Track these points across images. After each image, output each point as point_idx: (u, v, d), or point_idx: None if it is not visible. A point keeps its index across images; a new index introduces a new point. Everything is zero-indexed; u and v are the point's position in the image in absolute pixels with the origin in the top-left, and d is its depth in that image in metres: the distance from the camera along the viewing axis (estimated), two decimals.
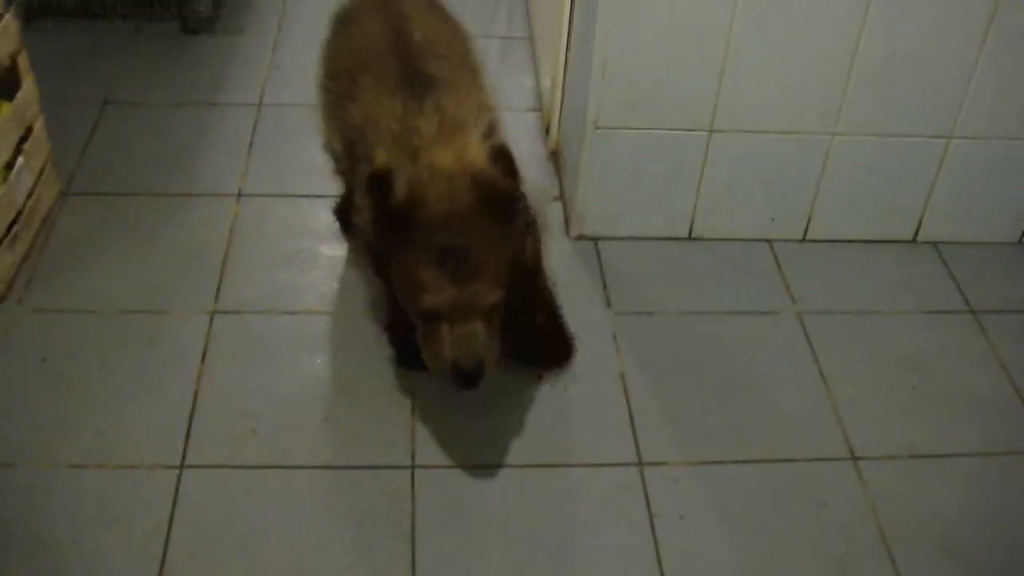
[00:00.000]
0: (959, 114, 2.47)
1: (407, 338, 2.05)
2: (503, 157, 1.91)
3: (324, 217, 2.61)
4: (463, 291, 1.84)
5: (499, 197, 1.88)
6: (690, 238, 2.63)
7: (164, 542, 1.91)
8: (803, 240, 2.66)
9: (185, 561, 1.88)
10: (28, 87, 2.42)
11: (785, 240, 2.65)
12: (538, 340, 2.25)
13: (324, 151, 2.36)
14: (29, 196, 2.43)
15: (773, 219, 2.62)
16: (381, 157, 1.91)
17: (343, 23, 2.31)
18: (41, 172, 2.49)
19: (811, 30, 2.32)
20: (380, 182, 1.85)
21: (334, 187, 2.62)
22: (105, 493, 1.98)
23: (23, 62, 2.40)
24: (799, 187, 2.58)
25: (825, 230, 2.65)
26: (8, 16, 2.32)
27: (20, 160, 2.38)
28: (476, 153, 1.92)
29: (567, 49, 2.65)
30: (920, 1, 2.30)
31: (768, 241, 2.65)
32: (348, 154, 2.10)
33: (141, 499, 1.98)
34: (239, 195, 2.67)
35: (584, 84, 2.42)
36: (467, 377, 1.87)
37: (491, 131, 2.01)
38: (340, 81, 2.15)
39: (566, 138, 2.69)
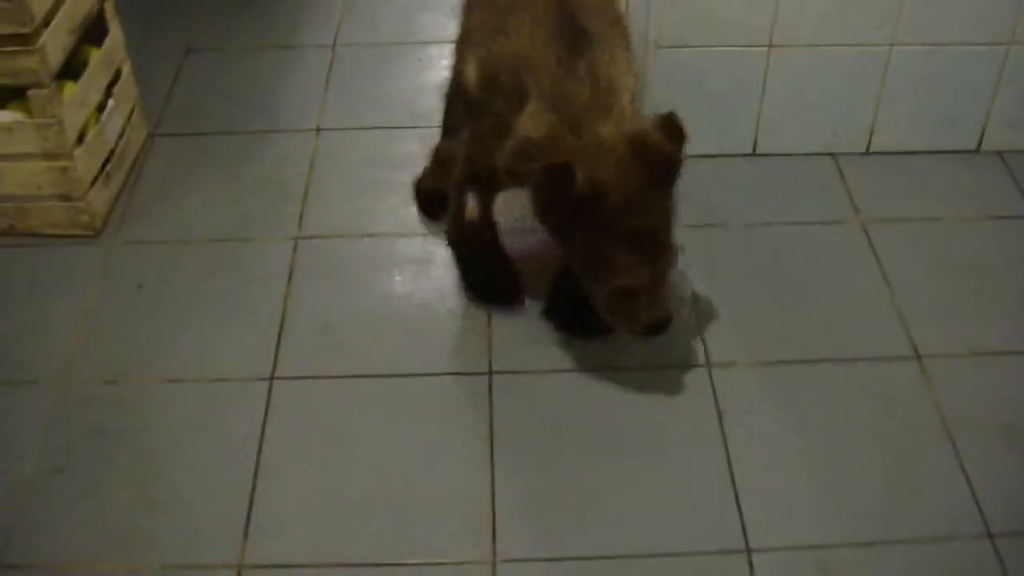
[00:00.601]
0: (1017, 20, 2.49)
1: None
2: (673, 127, 1.96)
3: (399, 147, 2.72)
4: (655, 269, 1.96)
5: (668, 166, 1.95)
6: (754, 154, 2.69)
7: (258, 446, 2.04)
8: (866, 153, 2.71)
9: (278, 462, 2.01)
10: (115, 33, 2.56)
11: (848, 153, 2.70)
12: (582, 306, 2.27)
13: (451, 80, 2.44)
14: (120, 137, 2.56)
15: (835, 133, 2.67)
16: (535, 113, 1.94)
17: None
18: (130, 114, 2.63)
19: None
20: (560, 176, 1.87)
21: (409, 118, 2.73)
22: (202, 404, 2.12)
23: (109, 8, 2.53)
24: (860, 100, 2.62)
25: (888, 142, 2.69)
26: None
27: (111, 103, 2.52)
28: (635, 122, 1.96)
29: None
30: None
31: (832, 155, 2.70)
32: (487, 84, 2.09)
33: (235, 408, 2.11)
34: (318, 130, 2.78)
35: (646, 6, 2.48)
36: (661, 329, 2.03)
37: (635, 95, 2.06)
38: (491, 11, 2.14)
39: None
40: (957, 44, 2.53)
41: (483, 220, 2.27)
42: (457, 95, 2.36)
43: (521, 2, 2.08)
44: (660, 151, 1.93)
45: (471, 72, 2.12)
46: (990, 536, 1.90)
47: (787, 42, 2.51)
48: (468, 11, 2.26)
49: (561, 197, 1.89)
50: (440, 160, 2.49)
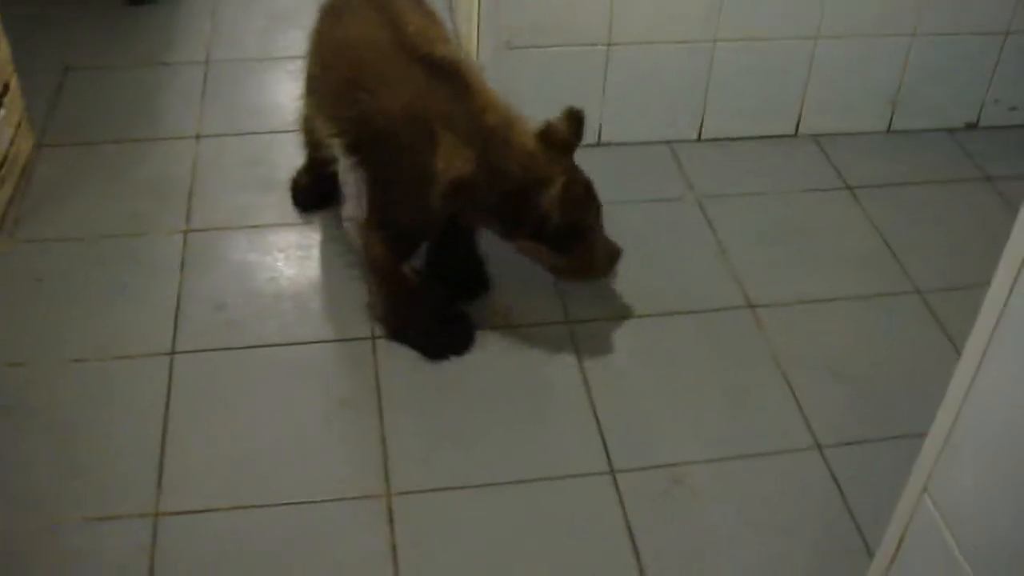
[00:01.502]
0: (822, 17, 2.84)
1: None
2: (577, 115, 2.28)
3: (274, 150, 2.93)
4: (597, 214, 2.28)
5: (576, 141, 2.28)
6: (599, 144, 2.98)
7: (164, 411, 2.22)
8: (698, 140, 3.02)
9: (184, 424, 2.19)
10: (3, 47, 2.72)
11: (683, 141, 3.01)
12: (464, 272, 2.55)
13: (302, 132, 2.65)
14: (10, 145, 2.72)
15: (671, 122, 2.98)
16: (452, 141, 2.14)
17: (334, 14, 2.42)
18: (18, 125, 2.78)
19: None
20: (521, 194, 2.16)
21: (283, 123, 2.95)
22: (107, 380, 2.28)
23: None
24: (691, 91, 2.94)
25: (717, 130, 3.01)
26: None
27: (1, 112, 2.68)
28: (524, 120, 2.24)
29: None
30: None
31: (668, 143, 3.01)
32: (355, 148, 2.30)
33: (139, 381, 2.28)
34: (198, 137, 2.98)
35: (496, 11, 2.75)
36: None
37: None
38: (339, 72, 2.31)
39: (484, 63, 3.01)
40: (772, 39, 2.87)
41: (410, 274, 2.40)
42: (315, 143, 2.54)
43: (364, 56, 2.26)
44: (570, 138, 2.26)
45: (333, 131, 2.32)
46: (819, 447, 2.20)
47: (623, 40, 2.81)
48: (312, 62, 2.46)
49: (520, 206, 2.17)
50: (311, 162, 2.70)
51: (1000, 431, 1.04)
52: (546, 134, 2.21)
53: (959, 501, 1.13)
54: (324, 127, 2.37)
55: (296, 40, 3.35)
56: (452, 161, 2.14)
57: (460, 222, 2.31)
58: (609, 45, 2.81)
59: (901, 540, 1.25)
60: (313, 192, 2.73)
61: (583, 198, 2.22)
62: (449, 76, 2.20)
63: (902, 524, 1.23)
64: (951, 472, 1.14)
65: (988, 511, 1.09)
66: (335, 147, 2.36)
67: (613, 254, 2.32)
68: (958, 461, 1.12)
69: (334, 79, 2.33)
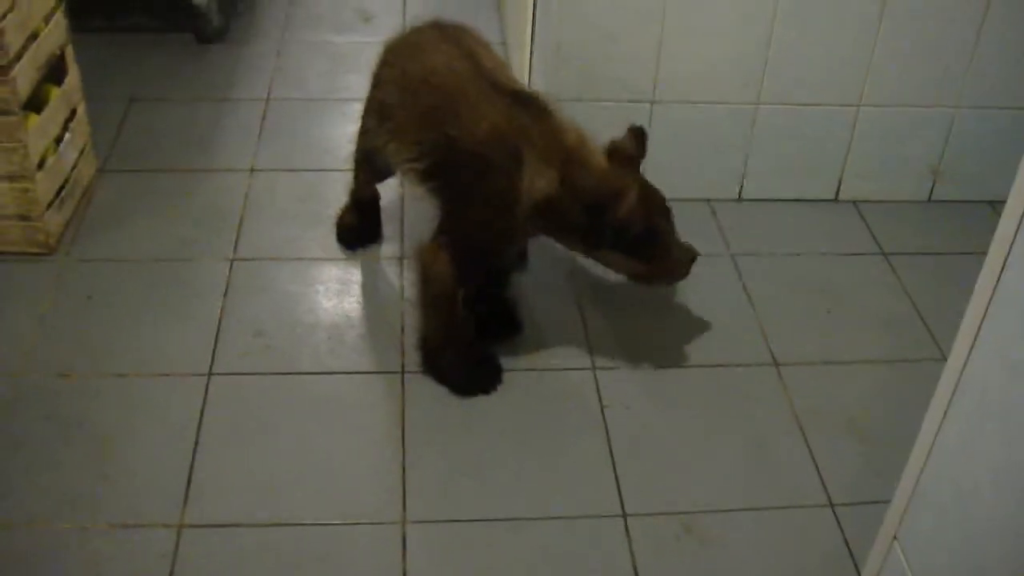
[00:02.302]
0: (864, 84, 2.90)
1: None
2: (639, 132, 2.42)
3: (325, 187, 3.04)
4: (671, 221, 2.39)
5: (641, 155, 2.42)
6: None
7: (196, 429, 2.30)
8: (738, 200, 3.08)
9: (214, 442, 2.28)
10: (73, 75, 2.85)
11: (722, 199, 3.07)
12: (494, 315, 2.61)
13: (357, 167, 2.73)
14: (73, 168, 2.85)
15: (711, 180, 3.04)
16: (538, 165, 2.25)
17: (409, 47, 2.52)
18: (83, 149, 2.91)
19: (732, 14, 2.76)
20: (601, 208, 2.27)
21: (334, 162, 3.06)
22: (146, 395, 2.38)
23: (70, 53, 2.83)
24: (732, 152, 3.00)
25: (757, 190, 3.07)
26: (59, 13, 2.75)
27: (67, 136, 2.81)
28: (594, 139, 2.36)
29: (532, 41, 3.07)
30: None
31: (708, 200, 3.07)
32: (432, 173, 2.37)
33: (176, 398, 2.37)
34: (252, 170, 3.09)
35: (545, 66, 2.84)
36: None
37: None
38: (415, 96, 2.40)
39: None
40: (814, 104, 2.93)
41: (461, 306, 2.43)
42: (372, 165, 2.65)
43: (449, 85, 2.35)
44: (637, 152, 2.40)
45: (413, 155, 2.39)
46: (831, 505, 2.23)
47: (667, 98, 2.88)
48: (382, 90, 2.52)
49: (602, 222, 2.27)
50: (356, 200, 2.81)
51: (958, 486, 1.09)
52: (613, 151, 2.35)
53: (924, 549, 1.17)
54: (401, 152, 2.43)
55: (355, 83, 3.49)
56: (536, 181, 2.25)
57: (510, 258, 2.48)
58: (653, 103, 2.88)
59: None
60: (358, 230, 2.83)
61: (657, 205, 2.35)
62: (528, 103, 2.32)
63: (875, 568, 1.27)
64: (917, 522, 1.18)
65: (950, 559, 1.13)
66: (409, 173, 2.43)
67: (690, 256, 2.41)
68: (923, 512, 1.16)
69: (416, 106, 2.39)
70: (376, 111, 2.55)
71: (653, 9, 2.74)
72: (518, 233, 2.39)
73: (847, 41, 2.83)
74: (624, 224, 2.27)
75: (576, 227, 2.31)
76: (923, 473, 1.16)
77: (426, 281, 2.37)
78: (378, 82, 2.56)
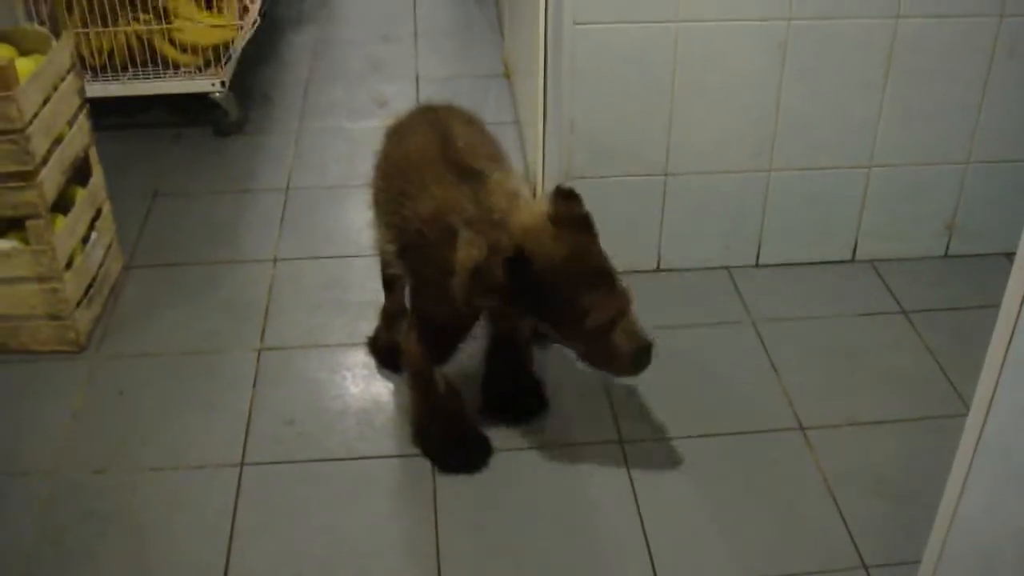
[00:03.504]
0: (874, 146, 2.94)
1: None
2: (565, 193, 2.24)
3: (349, 273, 3.10)
4: (618, 297, 2.22)
5: (581, 216, 2.23)
6: (658, 270, 3.08)
7: (231, 520, 2.33)
8: (756, 265, 3.11)
9: (249, 532, 2.30)
10: (97, 175, 2.92)
11: (740, 266, 3.11)
12: (517, 394, 2.61)
13: (377, 255, 2.69)
14: (101, 266, 2.90)
15: (728, 247, 3.07)
16: (468, 235, 2.21)
17: (395, 135, 2.56)
18: (109, 247, 2.98)
19: (738, 84, 2.82)
20: (519, 261, 2.14)
21: (356, 249, 3.11)
22: (180, 488, 2.41)
23: (93, 154, 2.90)
24: (747, 218, 3.04)
25: (774, 255, 3.10)
26: (82, 116, 2.83)
27: (94, 235, 2.87)
28: (543, 203, 2.24)
29: (544, 119, 3.13)
30: (825, 52, 2.79)
31: (726, 268, 3.10)
32: (402, 253, 2.39)
33: (211, 490, 2.40)
34: (275, 260, 3.15)
35: (559, 144, 2.89)
36: (650, 356, 2.28)
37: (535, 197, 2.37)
38: (390, 181, 2.45)
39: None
40: (826, 168, 2.97)
41: (440, 383, 2.47)
42: (386, 263, 2.63)
43: (413, 168, 2.37)
44: (574, 209, 2.23)
45: (388, 244, 2.43)
46: (864, 567, 2.24)
47: (680, 170, 2.93)
48: (378, 185, 2.53)
49: (524, 276, 2.15)
50: (388, 317, 2.77)
51: (983, 548, 1.11)
52: (555, 215, 2.21)
53: None
54: (382, 236, 2.48)
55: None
56: (469, 251, 2.22)
57: (499, 327, 2.44)
58: (667, 175, 2.93)
59: None
60: (394, 349, 2.65)
61: (590, 267, 2.22)
62: (469, 176, 2.30)
63: None
64: None
65: None
66: (388, 256, 2.49)
67: (636, 346, 2.26)
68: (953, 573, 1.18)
69: (390, 189, 2.43)
70: (372, 200, 2.58)
71: (662, 84, 2.80)
72: (464, 309, 2.28)
73: (854, 104, 2.88)
74: (536, 278, 2.16)
75: (501, 289, 2.19)
76: (949, 535, 1.17)
77: (404, 361, 2.46)
78: (374, 169, 2.59)
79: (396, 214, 2.38)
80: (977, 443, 1.09)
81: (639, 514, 2.35)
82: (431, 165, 2.36)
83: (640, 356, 2.27)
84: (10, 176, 2.53)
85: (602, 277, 2.22)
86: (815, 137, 2.92)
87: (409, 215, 2.33)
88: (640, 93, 2.81)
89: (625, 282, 2.26)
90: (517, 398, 2.60)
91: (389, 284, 2.74)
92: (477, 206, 2.25)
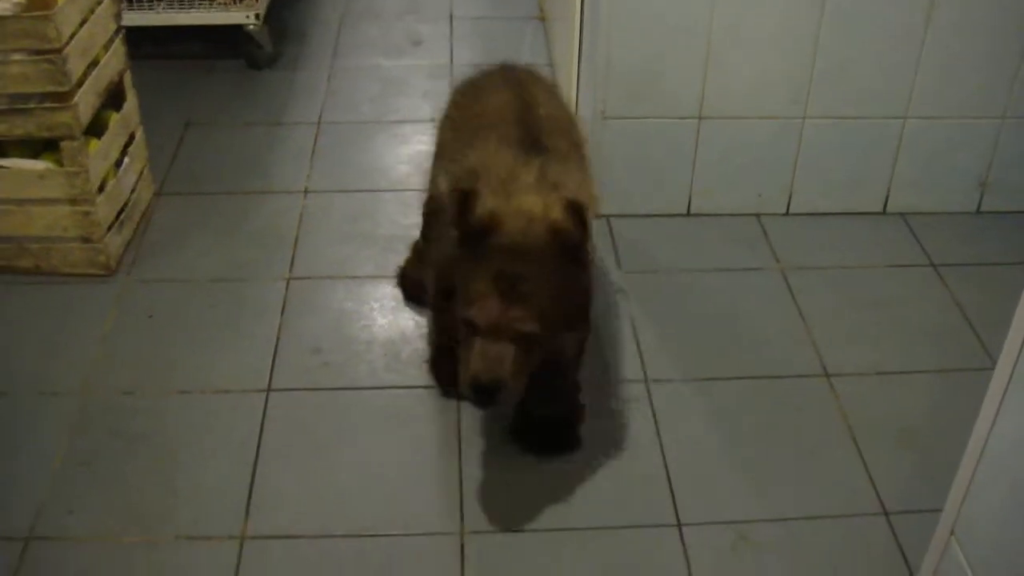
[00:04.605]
0: (911, 97, 2.92)
1: (450, 372, 2.35)
2: (576, 210, 1.99)
3: (378, 207, 3.10)
4: (503, 313, 1.95)
5: (566, 243, 1.98)
6: (688, 214, 3.08)
7: (257, 443, 2.35)
8: (786, 214, 3.10)
9: (274, 457, 2.33)
10: (131, 100, 2.93)
11: (771, 214, 3.09)
12: (546, 425, 2.39)
13: (427, 193, 2.60)
14: (132, 191, 2.92)
15: (760, 195, 3.06)
16: (482, 191, 2.03)
17: (473, 88, 2.49)
18: (141, 173, 2.99)
19: (777, 28, 2.79)
20: (463, 199, 2.01)
21: (387, 183, 3.11)
22: (207, 411, 2.44)
23: (128, 79, 2.91)
24: (780, 166, 3.02)
25: (805, 204, 3.09)
26: (118, 40, 2.83)
27: (126, 160, 2.88)
28: (559, 206, 2.01)
29: (579, 60, 3.12)
30: (866, 2, 2.77)
31: (756, 215, 3.09)
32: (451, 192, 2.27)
33: (237, 414, 2.43)
34: (306, 191, 3.16)
35: (593, 84, 2.88)
36: (482, 392, 1.97)
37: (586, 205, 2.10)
38: (463, 133, 2.36)
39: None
40: (861, 117, 2.95)
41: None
42: (432, 211, 2.50)
43: (492, 124, 2.29)
44: (565, 231, 1.98)
45: (441, 183, 2.39)
46: (885, 513, 2.24)
47: (714, 114, 2.91)
48: (441, 131, 2.51)
49: (462, 219, 2.00)
50: (419, 253, 2.71)
51: (1014, 477, 1.11)
52: (552, 229, 1.99)
53: (982, 542, 1.19)
54: (437, 180, 2.43)
55: (406, 106, 3.57)
56: (457, 184, 2.14)
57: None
58: (700, 119, 2.91)
59: None
60: (421, 283, 2.62)
61: (468, 194, 2.03)
62: (533, 151, 2.16)
63: (932, 565, 1.29)
64: (974, 516, 1.20)
65: (1009, 550, 1.15)
66: (436, 200, 2.42)
67: (473, 376, 1.98)
68: (980, 506, 1.18)
69: (457, 141, 2.37)
70: (436, 147, 2.52)
71: (700, 26, 2.78)
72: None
73: (893, 53, 2.85)
74: (478, 232, 1.99)
75: (452, 222, 2.05)
76: (979, 466, 1.18)
77: (428, 296, 2.46)
78: (440, 125, 2.53)
79: (456, 163, 2.31)
80: (1012, 373, 1.09)
81: (662, 452, 2.36)
82: (503, 123, 2.27)
83: (476, 386, 1.98)
84: (46, 96, 2.54)
85: (523, 290, 1.96)
86: (852, 85, 2.89)
87: (460, 164, 2.27)
88: (677, 35, 2.79)
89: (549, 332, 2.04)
90: (546, 432, 2.38)
91: (428, 223, 2.69)
92: (505, 173, 2.10)
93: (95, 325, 2.66)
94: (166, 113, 3.47)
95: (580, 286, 2.13)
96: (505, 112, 2.31)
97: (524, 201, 2.02)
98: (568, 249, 2.00)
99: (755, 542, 2.18)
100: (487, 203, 2.01)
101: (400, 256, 2.82)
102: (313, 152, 3.34)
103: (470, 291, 2.00)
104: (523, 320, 1.96)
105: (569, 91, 3.18)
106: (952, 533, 1.25)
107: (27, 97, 2.54)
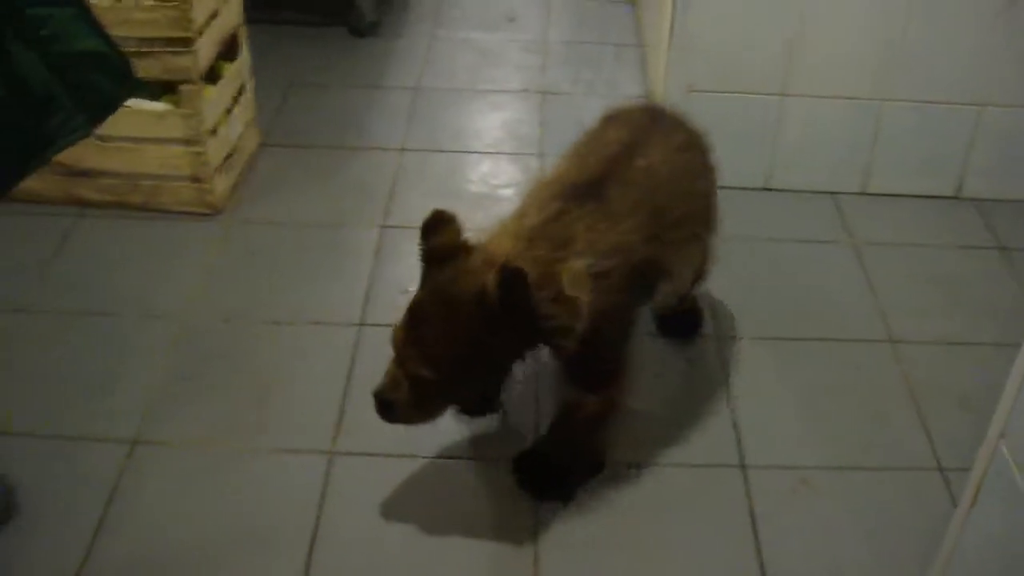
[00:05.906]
0: (989, 85, 3.01)
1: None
2: (511, 279, 1.85)
3: (470, 167, 3.27)
4: (403, 347, 1.97)
5: (485, 304, 1.89)
6: (767, 188, 3.19)
7: (348, 371, 2.51)
8: (861, 194, 3.20)
9: (365, 383, 2.44)
10: (244, 54, 3.12)
11: (846, 193, 3.20)
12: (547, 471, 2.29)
13: None
14: (240, 138, 3.10)
15: (836, 173, 3.17)
16: (456, 221, 2.03)
17: (604, 120, 2.37)
18: (248, 123, 3.17)
19: (864, 8, 2.90)
20: (433, 221, 2.04)
21: (480, 145, 3.27)
22: (302, 340, 2.60)
23: (242, 32, 3.09)
24: (857, 147, 3.12)
25: (880, 185, 3.18)
26: None
27: (236, 109, 3.06)
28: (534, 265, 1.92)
29: (671, 36, 3.23)
30: None
31: (832, 193, 3.20)
32: None
33: (330, 344, 2.59)
34: (402, 150, 3.33)
35: (682, 59, 3.01)
36: (378, 407, 2.04)
37: (606, 270, 2.00)
38: (562, 160, 2.28)
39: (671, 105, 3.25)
40: (939, 102, 3.04)
41: None
42: None
43: (579, 157, 2.21)
44: (487, 293, 1.89)
45: None
46: (940, 469, 2.35)
47: (797, 92, 3.02)
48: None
49: (425, 237, 2.06)
50: None
51: None
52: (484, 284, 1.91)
53: None
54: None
55: (499, 76, 3.73)
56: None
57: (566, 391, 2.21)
58: (782, 96, 3.03)
59: (980, 485, 1.42)
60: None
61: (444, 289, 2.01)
62: (578, 200, 2.05)
63: (981, 469, 1.39)
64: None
65: None
66: None
67: (376, 386, 2.03)
68: None
69: (568, 156, 2.30)
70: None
71: (789, 3, 2.89)
72: None
73: (974, 41, 2.94)
74: (434, 259, 2.03)
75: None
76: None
77: None
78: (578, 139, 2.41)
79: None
80: None
81: (728, 401, 2.48)
82: (582, 166, 2.17)
83: (375, 399, 2.05)
84: (171, 41, 2.72)
85: (423, 327, 1.97)
86: (932, 71, 2.99)
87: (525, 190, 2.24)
88: (766, 12, 2.91)
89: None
90: (544, 477, 2.29)
91: None
92: (530, 210, 2.05)
93: (198, 259, 2.84)
94: (272, 73, 3.65)
95: (509, 345, 2.01)
96: (600, 151, 2.20)
97: (497, 245, 1.98)
98: (486, 310, 1.89)
99: (814, 486, 2.29)
100: (455, 235, 1.99)
101: (487, 213, 2.96)
102: (410, 114, 3.51)
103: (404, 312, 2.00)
104: (411, 361, 1.95)
105: (658, 68, 3.31)
106: (1002, 436, 1.36)
107: (152, 41, 2.72)
